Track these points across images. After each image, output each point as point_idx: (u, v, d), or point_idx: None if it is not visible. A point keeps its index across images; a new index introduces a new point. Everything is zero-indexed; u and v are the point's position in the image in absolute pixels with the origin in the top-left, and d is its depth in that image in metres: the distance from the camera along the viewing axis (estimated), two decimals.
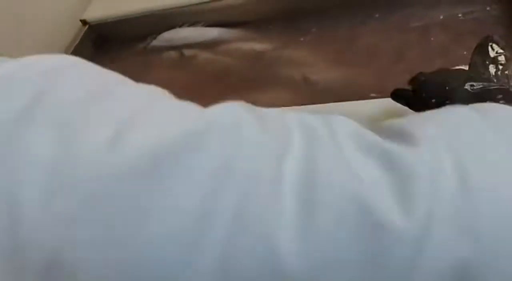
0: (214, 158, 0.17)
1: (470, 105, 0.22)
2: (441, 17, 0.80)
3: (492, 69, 0.49)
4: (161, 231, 0.15)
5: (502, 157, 0.18)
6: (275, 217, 0.16)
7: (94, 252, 0.15)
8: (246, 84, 0.87)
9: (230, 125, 0.19)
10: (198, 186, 0.16)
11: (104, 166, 0.16)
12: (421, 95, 0.45)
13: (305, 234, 0.16)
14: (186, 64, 0.96)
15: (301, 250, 0.15)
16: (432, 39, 0.77)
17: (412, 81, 0.50)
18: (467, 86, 0.40)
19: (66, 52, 0.97)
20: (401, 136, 0.20)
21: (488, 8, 0.77)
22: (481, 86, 0.39)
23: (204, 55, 0.95)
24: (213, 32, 0.96)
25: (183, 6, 0.95)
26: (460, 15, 0.78)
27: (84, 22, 1.02)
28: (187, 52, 0.97)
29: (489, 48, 0.53)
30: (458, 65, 0.70)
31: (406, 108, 0.53)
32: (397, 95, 0.52)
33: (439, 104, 0.41)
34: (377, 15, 0.83)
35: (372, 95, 0.67)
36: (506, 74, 0.49)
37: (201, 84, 0.91)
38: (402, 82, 0.72)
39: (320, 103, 0.77)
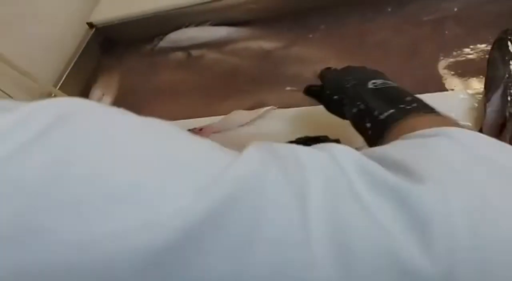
0: (239, 233, 0.17)
1: (444, 135, 0.24)
2: (456, 9, 0.77)
3: None
4: None
5: (501, 196, 0.19)
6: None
7: None
8: (254, 84, 0.85)
9: (254, 190, 0.18)
10: (224, 262, 0.17)
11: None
12: (326, 92, 0.47)
13: None
14: (193, 65, 0.95)
15: None
16: (446, 32, 0.74)
17: (320, 76, 0.51)
18: (371, 85, 0.42)
19: (73, 55, 0.97)
20: (400, 169, 0.21)
21: None
22: (381, 82, 0.42)
23: (211, 55, 0.94)
24: (220, 32, 0.95)
25: (189, 6, 0.93)
26: (475, 6, 0.75)
27: (90, 25, 1.01)
28: (195, 52, 0.96)
29: (509, 43, 0.51)
30: (474, 59, 0.68)
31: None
32: (309, 92, 0.52)
33: (340, 101, 0.45)
34: (388, 9, 0.81)
35: None
36: None
37: (209, 85, 0.90)
38: (417, 79, 0.70)
39: None
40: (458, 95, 0.53)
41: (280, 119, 0.67)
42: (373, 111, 0.38)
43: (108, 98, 0.92)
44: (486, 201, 0.19)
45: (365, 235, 0.18)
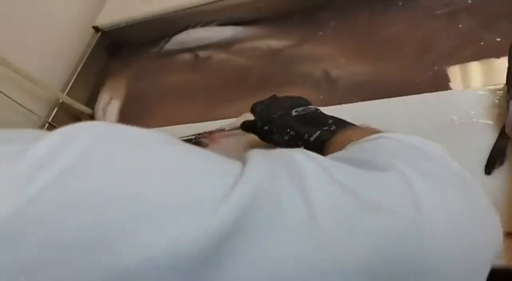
0: (258, 249, 0.19)
1: (383, 137, 0.31)
2: (469, 1, 0.74)
3: None
4: None
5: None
6: None
7: None
8: (264, 84, 0.84)
9: (269, 198, 0.20)
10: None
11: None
12: (258, 124, 0.52)
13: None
14: (201, 66, 0.93)
15: None
16: (460, 26, 0.72)
17: (251, 110, 0.56)
18: (294, 113, 0.48)
19: (80, 60, 0.97)
20: (367, 165, 0.26)
21: None
22: (302, 109, 0.48)
23: (219, 56, 0.92)
24: (227, 31, 0.93)
25: (194, 7, 0.92)
26: None
27: (96, 29, 1.00)
28: (202, 53, 0.94)
29: None
30: (490, 53, 0.66)
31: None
32: (245, 126, 0.57)
33: (270, 131, 0.49)
34: (400, 3, 0.78)
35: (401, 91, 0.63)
36: None
37: (218, 86, 0.88)
38: (431, 75, 0.68)
39: (343, 100, 0.73)
40: (477, 92, 0.51)
41: None
42: (303, 135, 0.44)
43: (116, 102, 0.92)
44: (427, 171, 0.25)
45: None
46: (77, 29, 0.99)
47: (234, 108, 0.83)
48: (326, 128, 0.42)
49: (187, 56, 0.95)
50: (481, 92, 0.51)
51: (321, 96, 0.76)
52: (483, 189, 0.27)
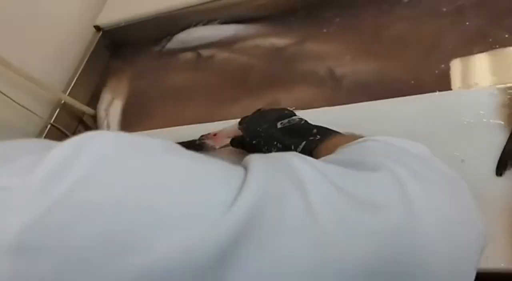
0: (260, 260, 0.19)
1: (371, 140, 0.31)
2: None
3: None
4: None
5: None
6: None
7: None
8: (267, 83, 0.83)
9: (272, 202, 0.21)
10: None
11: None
12: (246, 139, 0.53)
13: None
14: (203, 65, 0.92)
15: None
16: (467, 23, 0.70)
17: (240, 127, 0.57)
18: (279, 125, 0.49)
19: (82, 60, 0.96)
20: (359, 166, 0.26)
21: None
22: (287, 121, 0.49)
23: (221, 54, 0.91)
24: (230, 30, 0.92)
25: (196, 5, 0.91)
26: None
27: (97, 28, 0.99)
28: (204, 52, 0.93)
29: None
30: (499, 50, 0.64)
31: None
32: (235, 143, 0.57)
33: (258, 144, 0.50)
34: (406, 0, 0.77)
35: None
36: None
37: (220, 85, 0.87)
38: (438, 74, 0.66)
39: (348, 99, 0.72)
40: (487, 91, 0.50)
41: None
42: (290, 147, 0.45)
43: (118, 102, 0.91)
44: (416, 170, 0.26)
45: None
46: (78, 29, 0.98)
47: (237, 108, 0.82)
48: (311, 138, 0.44)
49: (189, 55, 0.94)
50: (491, 91, 0.49)
51: (326, 95, 0.75)
52: (470, 191, 0.27)
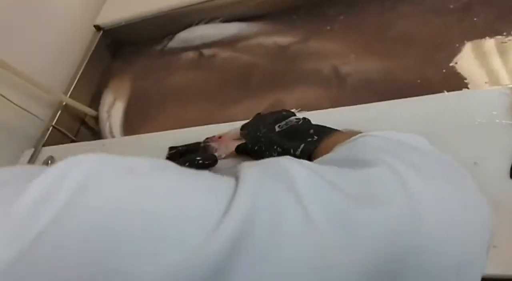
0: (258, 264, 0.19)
1: (368, 135, 0.31)
2: None
3: None
4: None
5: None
6: None
7: None
8: (270, 82, 0.82)
9: (268, 226, 0.20)
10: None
11: None
12: (248, 145, 0.53)
13: None
14: (206, 64, 0.91)
15: None
16: (475, 19, 0.69)
17: (241, 134, 0.57)
18: (277, 128, 0.49)
19: (82, 60, 0.95)
20: (358, 163, 0.26)
21: None
22: (284, 123, 0.49)
23: (224, 53, 0.90)
24: (232, 28, 0.91)
25: (198, 3, 0.89)
26: None
27: (97, 27, 0.98)
28: (206, 51, 0.92)
29: None
30: (510, 48, 0.63)
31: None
32: (239, 149, 0.56)
33: (260, 149, 0.50)
34: None
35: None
36: None
37: (223, 85, 0.86)
38: (445, 73, 0.65)
39: (353, 99, 0.71)
40: (498, 91, 0.49)
41: None
42: (289, 150, 0.44)
43: (120, 103, 0.90)
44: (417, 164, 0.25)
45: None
46: (78, 29, 0.96)
47: (241, 108, 0.81)
48: (309, 139, 0.43)
49: (191, 54, 0.93)
50: (503, 91, 0.48)
51: (331, 95, 0.74)
52: (475, 180, 0.26)
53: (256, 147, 0.51)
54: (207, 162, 0.54)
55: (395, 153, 0.27)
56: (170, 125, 0.82)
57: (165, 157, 0.64)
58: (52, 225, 0.18)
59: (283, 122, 0.50)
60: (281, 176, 0.23)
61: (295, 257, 0.20)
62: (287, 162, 0.24)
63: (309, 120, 0.49)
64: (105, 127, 0.86)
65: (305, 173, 0.23)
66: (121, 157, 0.23)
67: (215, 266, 0.18)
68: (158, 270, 0.18)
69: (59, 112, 0.85)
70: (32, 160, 0.76)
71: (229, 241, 0.19)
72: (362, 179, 0.24)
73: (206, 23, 0.93)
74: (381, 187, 0.23)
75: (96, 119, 0.89)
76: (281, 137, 0.48)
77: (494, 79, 0.58)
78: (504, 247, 0.37)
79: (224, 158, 0.61)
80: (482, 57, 0.62)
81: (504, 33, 0.64)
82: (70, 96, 0.87)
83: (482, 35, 0.66)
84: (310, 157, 0.42)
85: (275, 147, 0.47)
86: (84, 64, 0.93)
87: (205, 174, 0.24)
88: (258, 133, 0.51)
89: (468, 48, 0.65)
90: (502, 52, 0.61)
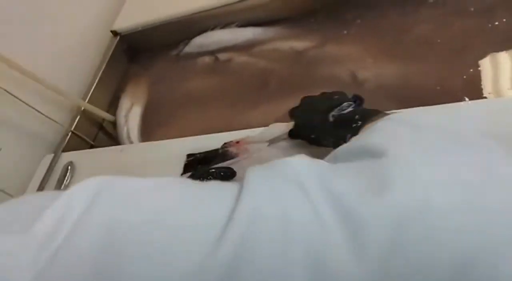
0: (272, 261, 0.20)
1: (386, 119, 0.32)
2: None
3: None
4: None
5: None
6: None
7: None
8: (287, 88, 0.81)
9: (278, 231, 0.20)
10: None
11: None
12: (303, 133, 0.53)
13: None
14: (221, 69, 0.91)
15: None
16: (497, 23, 0.68)
17: (290, 118, 0.56)
18: (331, 118, 0.47)
19: (100, 66, 0.96)
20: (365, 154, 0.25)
21: None
22: (337, 110, 0.47)
23: (239, 58, 0.90)
24: (247, 33, 0.91)
25: (213, 8, 0.90)
26: None
27: (114, 33, 0.99)
28: (222, 56, 0.92)
29: None
30: None
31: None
32: (293, 135, 0.56)
33: (317, 139, 0.50)
34: (430, 0, 0.74)
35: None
36: None
37: (239, 90, 0.86)
38: (467, 79, 0.64)
39: (371, 105, 0.70)
40: None
41: None
42: (341, 142, 0.42)
43: (137, 108, 0.91)
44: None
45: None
46: (95, 34, 0.98)
47: (257, 114, 0.81)
48: (354, 125, 0.41)
49: (207, 59, 0.93)
50: None
51: None
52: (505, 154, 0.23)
53: (313, 136, 0.50)
54: (222, 174, 0.54)
55: (407, 138, 0.26)
56: (186, 130, 0.83)
57: (183, 164, 0.65)
58: (63, 246, 0.19)
59: (336, 110, 0.47)
60: (285, 173, 0.23)
61: (302, 248, 0.20)
62: (294, 161, 0.25)
63: (360, 102, 0.48)
64: (123, 132, 0.86)
65: (312, 172, 0.23)
66: (126, 178, 0.24)
67: (223, 273, 0.19)
68: (170, 273, 0.19)
69: (78, 117, 0.86)
70: (52, 166, 0.77)
71: (233, 249, 0.19)
72: (369, 170, 0.23)
73: (221, 28, 0.93)
74: (389, 178, 0.22)
75: (114, 124, 0.90)
76: (335, 127, 0.46)
77: None
78: None
79: (246, 158, 0.61)
80: (504, 62, 0.61)
81: None
82: (88, 101, 0.88)
83: (504, 40, 0.65)
84: None
85: (329, 138, 0.46)
86: (102, 69, 0.94)
87: (210, 183, 0.25)
88: (312, 122, 0.50)
89: (490, 53, 0.64)
90: None
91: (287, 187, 0.22)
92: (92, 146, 0.88)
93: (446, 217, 0.19)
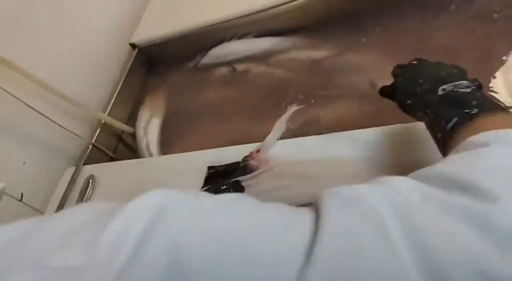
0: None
1: (498, 141, 0.26)
2: None
3: None
4: None
5: None
6: None
7: None
8: (305, 97, 0.81)
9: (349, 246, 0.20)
10: None
11: None
12: (398, 96, 0.47)
13: None
14: (239, 80, 0.91)
15: None
16: None
17: (393, 74, 0.51)
18: (440, 91, 0.40)
19: (119, 78, 0.97)
20: (467, 189, 0.22)
21: None
22: (451, 86, 0.40)
23: (257, 68, 0.90)
24: (264, 43, 0.91)
25: (229, 19, 0.90)
26: None
27: (133, 45, 1.00)
28: (239, 66, 0.92)
29: None
30: None
31: None
32: (384, 92, 0.52)
33: (412, 106, 0.44)
34: (452, 7, 0.73)
35: None
36: None
37: (257, 101, 0.86)
38: (492, 87, 0.62)
39: (393, 115, 0.69)
40: None
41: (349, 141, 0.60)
42: (441, 120, 0.37)
43: (156, 120, 0.91)
44: None
45: (448, 250, 0.19)
46: (114, 47, 0.99)
47: (275, 124, 0.81)
48: (466, 110, 0.35)
49: (224, 70, 0.94)
50: None
51: (369, 110, 0.72)
52: None
53: (408, 101, 0.44)
54: (231, 191, 0.54)
55: None
56: (206, 141, 0.83)
57: (204, 176, 0.64)
58: (126, 267, 0.19)
59: (450, 85, 0.40)
60: (367, 214, 0.22)
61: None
62: (372, 196, 0.23)
63: (480, 88, 0.41)
64: (142, 144, 0.87)
65: (392, 212, 0.21)
66: (191, 193, 0.23)
67: None
68: None
69: (98, 130, 0.88)
70: (73, 179, 0.78)
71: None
72: (471, 216, 0.21)
73: (238, 38, 0.93)
74: (495, 226, 0.20)
75: (133, 136, 0.91)
76: (441, 102, 0.39)
77: None
78: None
79: (266, 171, 0.61)
80: None
81: None
82: (108, 114, 0.89)
83: None
84: (456, 133, 0.35)
85: (427, 111, 0.40)
86: (121, 82, 0.95)
87: (277, 206, 0.24)
88: (416, 88, 0.43)
89: None
90: None
91: (367, 226, 0.21)
92: (112, 158, 0.89)
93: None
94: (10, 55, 0.68)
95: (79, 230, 0.21)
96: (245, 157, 0.64)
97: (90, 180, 0.76)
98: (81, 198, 0.74)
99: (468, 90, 0.38)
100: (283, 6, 0.86)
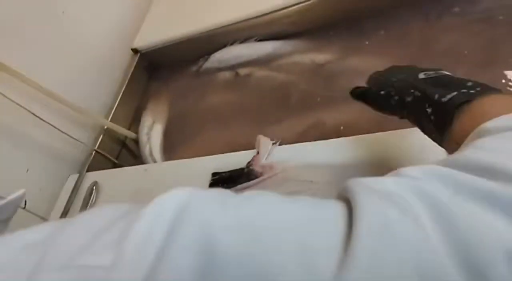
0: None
1: None
2: None
3: None
4: None
5: None
6: None
7: None
8: (309, 102, 0.80)
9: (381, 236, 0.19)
10: None
11: None
12: (372, 90, 0.46)
13: None
14: (242, 84, 0.91)
15: None
16: None
17: (368, 82, 0.50)
18: (422, 75, 0.39)
19: (122, 84, 0.97)
20: (497, 174, 0.21)
21: None
22: (433, 72, 0.39)
23: (259, 72, 0.90)
24: (267, 47, 0.91)
25: (232, 24, 0.90)
26: None
27: (135, 50, 1.00)
28: (242, 71, 0.92)
29: None
30: None
31: None
32: (355, 94, 0.51)
33: (387, 94, 0.42)
34: (456, 9, 0.73)
35: None
36: None
37: (260, 105, 0.86)
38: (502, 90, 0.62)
39: (398, 119, 0.68)
40: None
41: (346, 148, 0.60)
42: (433, 95, 0.34)
43: (159, 125, 0.91)
44: None
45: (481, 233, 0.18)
46: (116, 53, 0.99)
47: (279, 129, 0.80)
48: (464, 90, 0.33)
49: (227, 74, 0.93)
50: None
51: (374, 114, 0.72)
52: None
53: (382, 92, 0.42)
54: None
55: None
56: (209, 146, 0.83)
57: (208, 182, 0.64)
58: (157, 266, 0.18)
59: (432, 72, 0.39)
60: (400, 205, 0.21)
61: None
62: (408, 196, 0.21)
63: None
64: (145, 149, 0.87)
65: (425, 207, 0.20)
66: (213, 189, 0.23)
67: None
68: None
69: (101, 136, 0.87)
70: (77, 185, 0.78)
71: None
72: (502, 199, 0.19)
73: (241, 42, 0.93)
74: None
75: (136, 141, 0.91)
76: (425, 82, 0.37)
77: None
78: None
79: (270, 177, 0.61)
80: None
81: None
82: (111, 120, 0.89)
83: None
84: (456, 110, 0.32)
85: (412, 91, 0.37)
86: (124, 87, 0.95)
87: (305, 199, 0.23)
88: (393, 79, 0.42)
89: None
90: None
91: (403, 218, 0.20)
92: (115, 164, 0.88)
93: None
94: (11, 62, 0.68)
95: (107, 229, 0.21)
96: (248, 162, 0.64)
97: (94, 187, 0.76)
98: (85, 205, 0.74)
99: (454, 77, 0.37)
100: (286, 10, 0.86)
